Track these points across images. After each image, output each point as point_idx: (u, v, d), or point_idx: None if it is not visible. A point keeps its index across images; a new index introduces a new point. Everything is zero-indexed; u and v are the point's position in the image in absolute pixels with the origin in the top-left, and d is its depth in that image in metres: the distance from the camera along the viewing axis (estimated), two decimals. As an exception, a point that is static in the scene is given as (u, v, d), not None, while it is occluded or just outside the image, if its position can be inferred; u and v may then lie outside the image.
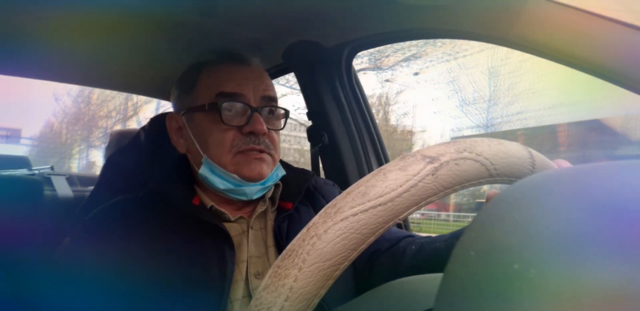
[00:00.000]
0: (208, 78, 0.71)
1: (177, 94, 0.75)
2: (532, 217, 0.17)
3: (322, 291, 0.26)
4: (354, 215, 0.25)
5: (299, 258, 0.25)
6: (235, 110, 0.68)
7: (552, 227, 0.16)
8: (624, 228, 0.15)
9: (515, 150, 0.28)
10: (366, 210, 0.25)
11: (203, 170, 0.67)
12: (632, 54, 0.47)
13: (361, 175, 1.08)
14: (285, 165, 0.80)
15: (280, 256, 0.27)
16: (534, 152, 0.29)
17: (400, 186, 0.26)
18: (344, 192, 0.27)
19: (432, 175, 0.26)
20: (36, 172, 1.37)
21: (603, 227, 0.15)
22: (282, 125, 0.74)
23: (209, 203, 0.68)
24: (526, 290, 0.15)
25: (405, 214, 0.26)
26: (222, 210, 0.67)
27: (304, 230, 0.27)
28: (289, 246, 0.27)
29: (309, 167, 1.11)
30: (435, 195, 0.26)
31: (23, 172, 1.32)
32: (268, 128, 0.68)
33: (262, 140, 0.68)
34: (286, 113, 0.74)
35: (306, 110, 1.14)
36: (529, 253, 0.16)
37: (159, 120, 0.88)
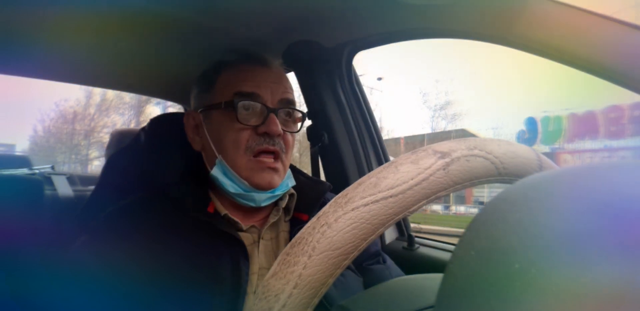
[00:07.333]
0: (227, 77, 0.71)
1: (197, 92, 0.76)
2: (533, 217, 0.17)
3: (330, 280, 0.26)
4: (365, 205, 0.25)
5: (308, 246, 0.25)
6: (252, 110, 0.68)
7: (553, 226, 0.16)
8: (625, 228, 0.15)
9: (524, 151, 0.28)
10: (377, 201, 0.25)
11: (215, 172, 0.67)
12: (632, 53, 0.47)
13: (361, 174, 1.08)
14: (301, 174, 0.79)
15: (289, 244, 0.27)
16: (541, 155, 0.29)
17: (412, 179, 0.25)
18: (355, 183, 0.27)
19: (444, 169, 0.26)
20: (37, 171, 1.37)
21: (604, 227, 0.15)
22: (298, 128, 0.74)
23: (223, 211, 0.67)
24: (527, 290, 0.15)
25: (415, 207, 0.26)
26: (235, 219, 0.67)
27: (314, 219, 0.26)
28: (298, 235, 0.27)
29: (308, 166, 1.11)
30: (445, 189, 0.26)
31: (23, 171, 1.33)
32: (283, 130, 0.69)
33: (277, 142, 0.68)
34: (303, 117, 0.74)
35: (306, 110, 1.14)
36: (529, 253, 0.16)
37: (158, 121, 0.88)
